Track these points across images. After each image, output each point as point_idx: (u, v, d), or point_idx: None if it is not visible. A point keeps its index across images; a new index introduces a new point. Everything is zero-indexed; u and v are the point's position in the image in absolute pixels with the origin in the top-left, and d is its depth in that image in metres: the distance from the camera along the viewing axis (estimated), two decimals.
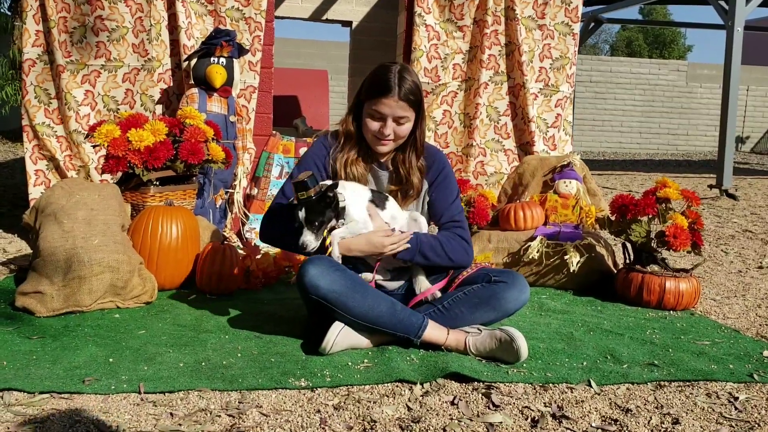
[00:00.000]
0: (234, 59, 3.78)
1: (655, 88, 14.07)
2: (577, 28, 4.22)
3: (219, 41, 3.65)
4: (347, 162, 2.41)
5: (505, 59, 4.16)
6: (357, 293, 2.21)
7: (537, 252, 3.25)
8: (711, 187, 7.27)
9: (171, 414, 1.77)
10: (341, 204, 2.27)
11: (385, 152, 2.41)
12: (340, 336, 2.22)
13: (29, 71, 3.83)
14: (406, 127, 2.34)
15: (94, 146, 3.34)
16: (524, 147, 4.20)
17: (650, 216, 3.08)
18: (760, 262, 4.08)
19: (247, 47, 3.93)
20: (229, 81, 3.76)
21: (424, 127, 2.42)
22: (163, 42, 3.91)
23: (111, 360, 2.13)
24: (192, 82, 3.77)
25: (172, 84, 3.98)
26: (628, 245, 3.18)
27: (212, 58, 3.68)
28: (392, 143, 2.37)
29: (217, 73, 3.66)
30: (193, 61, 3.73)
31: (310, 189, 2.17)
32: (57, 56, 3.79)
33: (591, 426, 1.79)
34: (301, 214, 2.20)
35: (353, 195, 2.31)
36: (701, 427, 1.80)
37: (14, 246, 3.74)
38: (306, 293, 2.22)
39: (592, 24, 11.08)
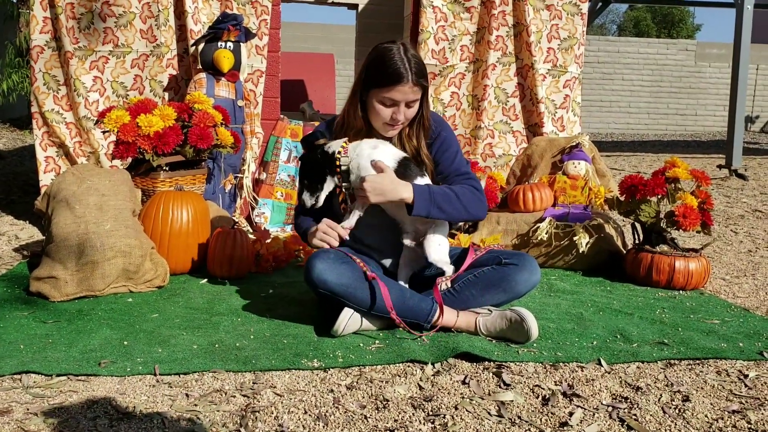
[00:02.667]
0: (241, 43, 3.78)
1: (663, 68, 13.94)
2: (585, 7, 4.18)
3: (226, 26, 3.65)
4: None
5: (513, 40, 4.14)
6: (365, 283, 2.21)
7: (546, 233, 3.26)
8: (720, 167, 7.23)
9: (186, 395, 1.80)
10: (344, 165, 2.26)
11: (394, 135, 2.40)
12: (351, 320, 2.24)
13: (38, 58, 3.84)
14: (415, 108, 2.31)
15: (103, 132, 3.35)
16: (533, 128, 4.19)
17: (659, 196, 3.07)
18: None
19: (254, 31, 3.93)
20: (237, 65, 3.76)
21: (429, 102, 2.39)
22: (170, 27, 3.91)
23: (125, 343, 2.16)
24: (200, 67, 3.78)
25: (180, 69, 3.99)
26: (638, 225, 3.18)
27: (219, 43, 3.68)
28: (400, 126, 2.36)
29: (224, 58, 3.66)
30: (201, 46, 3.73)
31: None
32: (65, 42, 3.79)
33: (602, 404, 1.81)
34: (300, 171, 2.30)
35: (373, 153, 2.26)
36: (711, 404, 1.82)
37: (26, 232, 3.77)
38: (314, 288, 2.22)
39: (600, 4, 10.97)
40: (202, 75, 3.72)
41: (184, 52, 3.97)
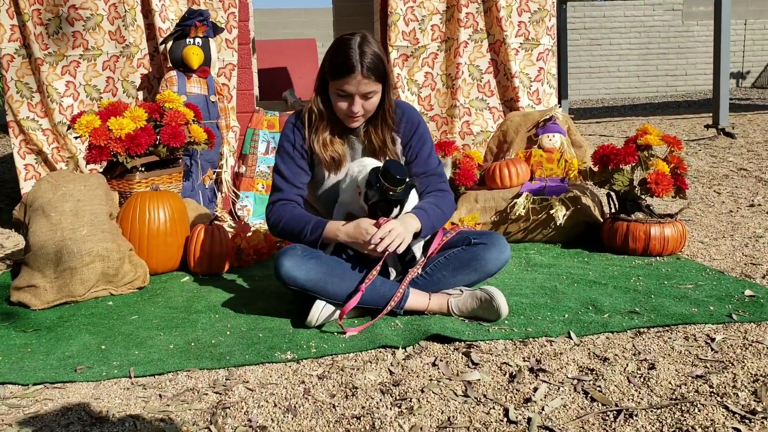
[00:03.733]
0: (210, 38, 3.77)
1: (651, 29, 13.84)
2: None
3: (193, 22, 3.64)
4: (325, 143, 2.39)
5: (483, 16, 4.12)
6: (335, 277, 2.24)
7: (523, 208, 3.28)
8: (707, 126, 7.22)
9: (160, 396, 1.83)
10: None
11: (358, 126, 2.41)
12: (324, 310, 2.26)
13: (8, 67, 3.84)
14: (375, 100, 2.31)
15: (76, 137, 3.36)
16: (509, 103, 4.19)
17: (632, 164, 3.08)
18: (752, 200, 4.08)
19: (222, 25, 3.92)
20: (207, 61, 3.76)
21: (392, 96, 2.39)
22: (139, 27, 3.91)
23: (103, 347, 2.19)
24: (170, 64, 3.78)
25: (152, 68, 3.99)
26: (613, 195, 3.19)
27: (188, 39, 3.67)
28: (363, 118, 2.37)
29: (193, 54, 3.66)
30: (169, 44, 3.73)
31: (400, 183, 2.13)
32: (34, 49, 3.79)
33: (567, 377, 1.83)
34: (396, 211, 2.20)
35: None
36: (676, 370, 1.84)
37: (12, 241, 3.80)
38: (285, 285, 2.26)
39: None
40: (173, 73, 3.72)
41: (154, 50, 3.96)
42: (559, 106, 3.82)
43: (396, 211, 2.21)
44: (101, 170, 3.44)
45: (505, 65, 4.13)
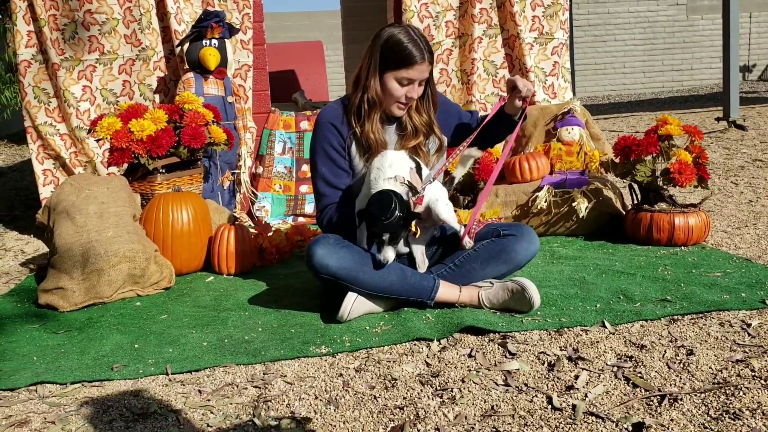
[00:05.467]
0: (226, 40, 3.78)
1: (655, 24, 13.81)
2: None
3: (209, 23, 3.65)
4: (378, 130, 2.41)
5: (497, 11, 4.12)
6: (366, 266, 2.24)
7: (545, 202, 3.27)
8: (718, 119, 7.19)
9: (199, 391, 1.83)
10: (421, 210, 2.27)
11: (402, 114, 2.44)
12: (355, 304, 2.26)
13: (26, 72, 3.85)
14: (423, 86, 2.40)
15: (97, 140, 3.37)
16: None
17: (654, 155, 3.07)
18: None
19: (238, 26, 3.92)
20: (223, 62, 3.77)
21: (434, 78, 2.48)
22: (154, 30, 3.92)
23: (136, 346, 2.20)
24: (187, 66, 3.78)
25: (168, 71, 3.99)
26: (635, 186, 3.18)
27: (204, 41, 3.68)
28: (408, 105, 2.42)
29: (210, 56, 3.67)
30: (186, 46, 3.74)
31: (391, 217, 2.13)
32: (51, 55, 3.81)
33: (606, 364, 1.83)
34: (387, 235, 2.19)
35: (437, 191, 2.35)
36: (715, 355, 1.84)
37: (31, 246, 3.81)
38: (317, 273, 2.26)
39: None
40: (190, 75, 3.73)
41: (170, 53, 3.97)
42: (576, 100, 3.82)
43: (387, 234, 2.19)
44: (120, 173, 3.44)
45: (519, 60, 4.13)
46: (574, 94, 4.27)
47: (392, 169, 2.25)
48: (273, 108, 4.23)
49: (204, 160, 3.61)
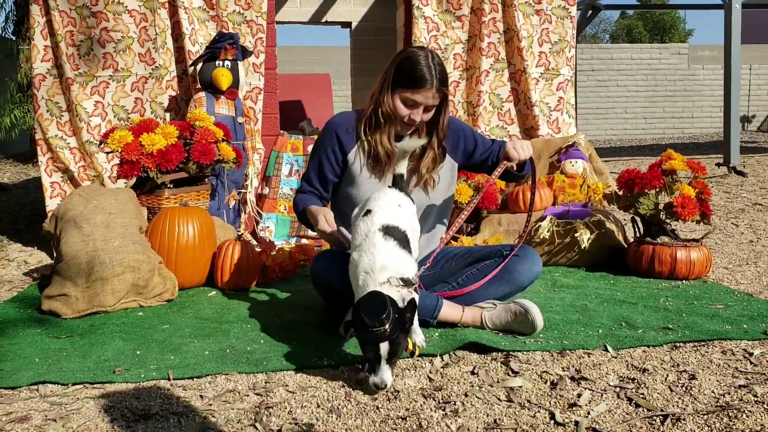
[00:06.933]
0: (238, 62, 3.85)
1: (657, 72, 14.04)
2: (573, 10, 4.26)
3: (223, 44, 3.72)
4: (386, 141, 2.43)
5: (504, 46, 4.21)
6: None
7: (548, 231, 3.30)
8: (719, 165, 7.27)
9: (201, 396, 1.83)
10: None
11: (407, 133, 2.48)
12: None
13: (40, 86, 3.91)
14: (431, 113, 2.41)
15: (107, 153, 3.41)
16: (528, 131, 4.24)
17: (657, 188, 3.11)
18: None
19: (251, 50, 4.00)
20: (235, 83, 3.83)
21: (448, 112, 2.47)
22: (168, 50, 3.99)
23: (138, 352, 2.19)
24: (199, 86, 3.85)
25: (180, 90, 4.05)
26: (638, 219, 3.21)
27: (217, 62, 3.75)
28: (414, 126, 2.44)
29: (222, 76, 3.73)
30: (199, 66, 3.80)
31: (385, 323, 1.78)
32: (66, 69, 3.87)
33: (609, 385, 1.83)
34: (383, 349, 1.80)
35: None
36: (717, 381, 1.84)
37: (35, 258, 3.81)
38: (320, 288, 2.28)
39: (590, 11, 11.11)
40: (202, 94, 3.79)
41: (183, 73, 4.04)
42: (581, 134, 3.87)
43: (383, 348, 1.80)
44: (130, 187, 3.47)
45: (525, 94, 4.20)
46: (577, 130, 4.33)
47: (384, 272, 1.94)
48: (282, 131, 4.28)
49: (211, 178, 3.65)
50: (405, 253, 2.01)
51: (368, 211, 2.09)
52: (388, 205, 2.11)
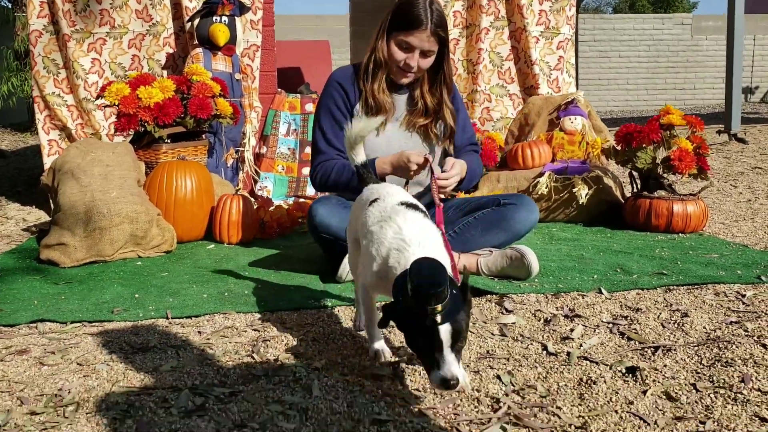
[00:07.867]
0: (236, 17, 3.82)
1: (660, 43, 13.92)
2: None
3: (220, 0, 3.69)
4: (377, 90, 2.42)
5: (504, 4, 4.17)
6: None
7: (546, 187, 3.30)
8: (719, 132, 7.24)
9: (199, 332, 1.85)
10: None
11: (406, 83, 2.45)
12: None
13: (36, 42, 3.89)
14: (430, 60, 2.37)
15: (105, 107, 3.40)
16: (528, 90, 4.22)
17: (655, 142, 3.11)
18: None
19: (248, 5, 3.97)
20: (233, 39, 3.81)
21: (450, 59, 2.45)
22: (165, 6, 3.96)
23: (137, 295, 2.21)
24: (196, 42, 3.82)
25: (177, 47, 4.03)
26: (635, 174, 3.21)
27: (214, 17, 3.72)
28: (413, 75, 2.41)
29: (220, 32, 3.71)
30: (196, 21, 3.78)
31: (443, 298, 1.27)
32: (62, 26, 3.84)
33: (602, 321, 1.85)
34: (444, 332, 1.26)
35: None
36: (709, 318, 1.86)
37: (33, 215, 3.83)
38: (317, 232, 2.29)
39: None
40: (199, 50, 3.77)
41: (180, 30, 4.01)
42: (581, 91, 3.86)
43: (446, 331, 1.27)
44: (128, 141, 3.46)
45: (525, 53, 4.18)
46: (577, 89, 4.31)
47: (420, 249, 1.47)
48: (279, 90, 4.27)
49: (209, 135, 3.64)
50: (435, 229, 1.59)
51: (375, 200, 1.68)
52: (395, 189, 1.75)
